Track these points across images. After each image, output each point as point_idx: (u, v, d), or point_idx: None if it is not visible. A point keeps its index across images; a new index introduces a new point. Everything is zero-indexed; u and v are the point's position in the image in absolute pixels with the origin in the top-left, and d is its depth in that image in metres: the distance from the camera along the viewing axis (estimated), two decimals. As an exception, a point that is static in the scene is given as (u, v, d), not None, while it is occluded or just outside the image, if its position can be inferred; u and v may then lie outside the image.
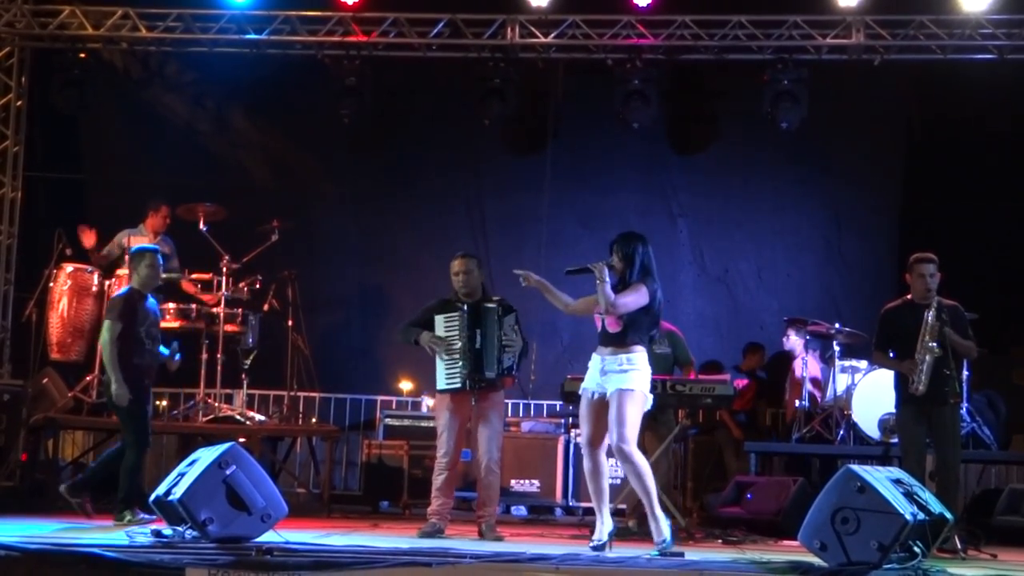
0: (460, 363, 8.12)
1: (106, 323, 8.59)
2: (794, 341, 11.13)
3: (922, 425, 8.13)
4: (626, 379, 6.90)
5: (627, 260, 7.06)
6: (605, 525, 6.99)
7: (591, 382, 7.05)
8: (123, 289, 8.94)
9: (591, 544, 6.89)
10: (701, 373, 9.91)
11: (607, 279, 6.90)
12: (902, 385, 8.23)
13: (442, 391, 8.30)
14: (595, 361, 7.05)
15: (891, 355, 8.36)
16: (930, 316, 7.99)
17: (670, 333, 9.52)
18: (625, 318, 6.96)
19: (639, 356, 6.97)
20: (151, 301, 8.77)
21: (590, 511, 10.75)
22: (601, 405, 6.98)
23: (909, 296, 8.30)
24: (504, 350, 8.15)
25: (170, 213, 11.03)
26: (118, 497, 8.40)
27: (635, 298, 6.95)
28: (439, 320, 8.23)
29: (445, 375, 8.18)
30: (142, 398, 8.50)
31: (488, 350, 8.13)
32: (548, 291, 7.25)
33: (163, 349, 8.82)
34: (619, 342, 6.97)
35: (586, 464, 7.11)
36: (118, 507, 8.36)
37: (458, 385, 8.14)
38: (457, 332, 8.16)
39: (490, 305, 8.21)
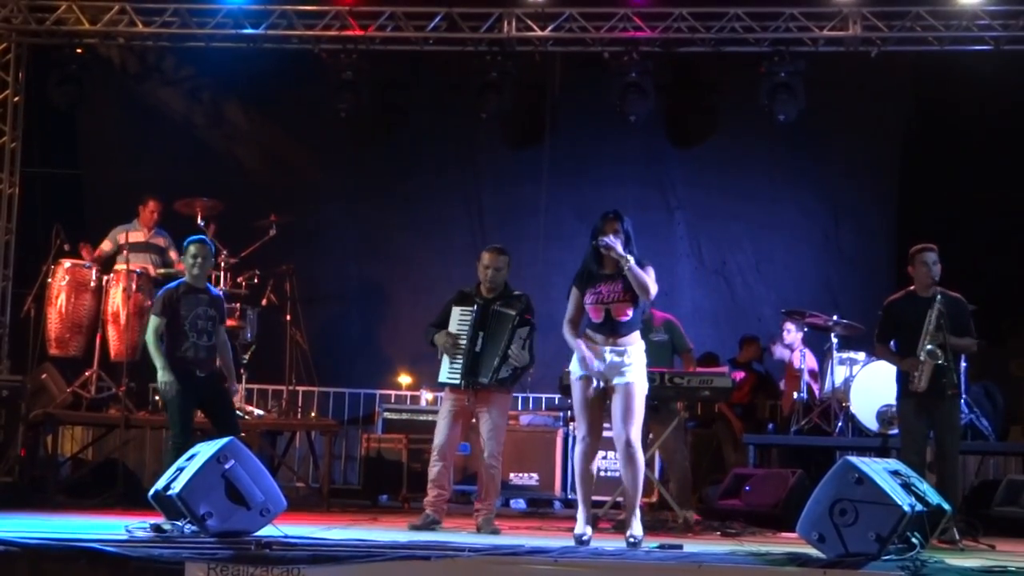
0: (461, 361, 8.11)
1: (149, 318, 8.60)
2: (794, 335, 11.13)
3: (923, 418, 8.15)
4: (634, 371, 6.86)
5: (628, 238, 6.97)
6: (589, 517, 6.95)
7: (591, 371, 6.88)
8: (171, 283, 8.88)
9: (575, 537, 6.81)
10: (700, 365, 9.91)
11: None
12: (903, 378, 8.25)
13: (442, 384, 8.33)
14: (593, 351, 6.93)
15: (893, 347, 8.39)
16: (932, 316, 7.99)
17: (667, 322, 9.54)
18: (639, 306, 6.93)
19: (642, 346, 6.97)
20: (212, 292, 8.70)
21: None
22: (604, 396, 6.93)
23: (912, 288, 8.31)
24: (505, 360, 8.05)
25: (159, 207, 11.03)
26: None
27: (654, 280, 6.95)
28: (455, 312, 8.21)
29: (448, 369, 8.17)
30: (188, 392, 8.38)
31: (487, 356, 8.06)
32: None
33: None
34: (626, 331, 6.90)
35: (584, 454, 6.95)
36: None
37: (456, 382, 8.13)
38: (468, 328, 8.13)
39: (508, 311, 8.11)
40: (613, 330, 6.90)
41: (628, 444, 6.80)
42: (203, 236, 8.85)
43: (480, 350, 8.06)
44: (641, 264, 6.90)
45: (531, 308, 8.24)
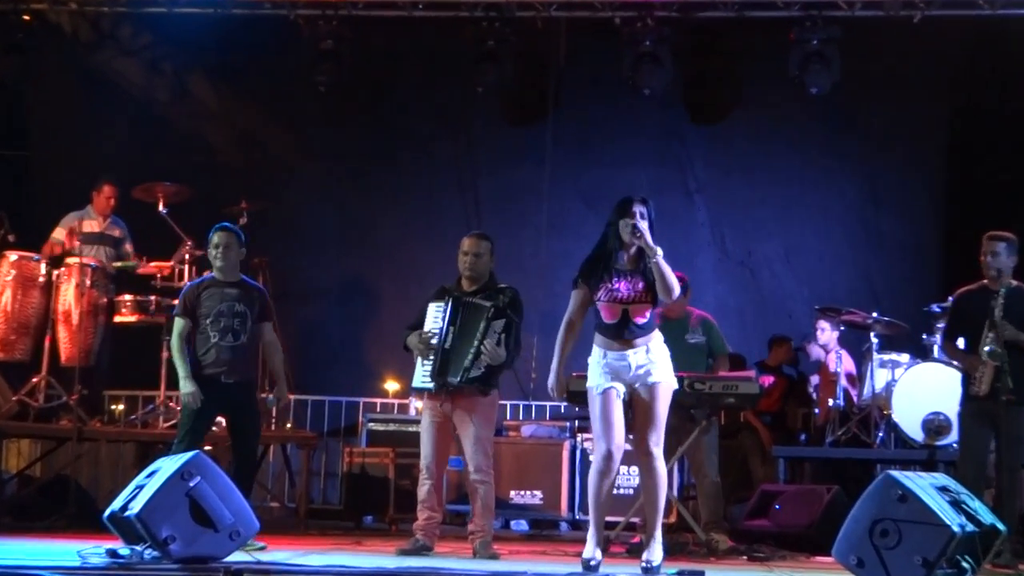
0: (431, 361, 8.07)
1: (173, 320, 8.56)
2: (829, 335, 11.10)
3: (984, 426, 8.13)
4: (659, 370, 6.81)
5: (651, 228, 6.86)
6: (600, 540, 6.87)
7: (615, 380, 6.82)
8: (198, 278, 8.81)
9: (583, 561, 6.72)
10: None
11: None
12: (967, 380, 8.25)
13: (416, 390, 8.33)
14: (612, 358, 6.84)
15: (963, 346, 8.38)
16: (997, 310, 7.99)
17: (704, 321, 9.48)
18: (656, 306, 6.90)
19: (660, 339, 6.93)
20: (249, 284, 8.58)
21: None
22: (629, 405, 6.86)
23: (985, 280, 8.29)
24: (477, 357, 7.97)
25: (115, 193, 11.01)
26: None
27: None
28: (431, 308, 8.17)
29: (421, 373, 8.12)
30: (208, 400, 8.24)
31: (457, 353, 7.98)
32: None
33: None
34: (642, 334, 6.84)
35: (604, 471, 6.81)
36: None
37: (429, 386, 8.08)
38: (440, 324, 8.09)
39: (481, 303, 8.06)
40: (629, 333, 6.84)
41: (648, 452, 6.76)
42: (228, 223, 8.66)
43: (450, 346, 8.00)
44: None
45: (517, 303, 8.14)
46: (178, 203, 11.03)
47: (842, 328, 10.99)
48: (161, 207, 10.92)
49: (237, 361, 8.33)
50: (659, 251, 6.73)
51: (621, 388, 6.83)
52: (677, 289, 6.83)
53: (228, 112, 13.39)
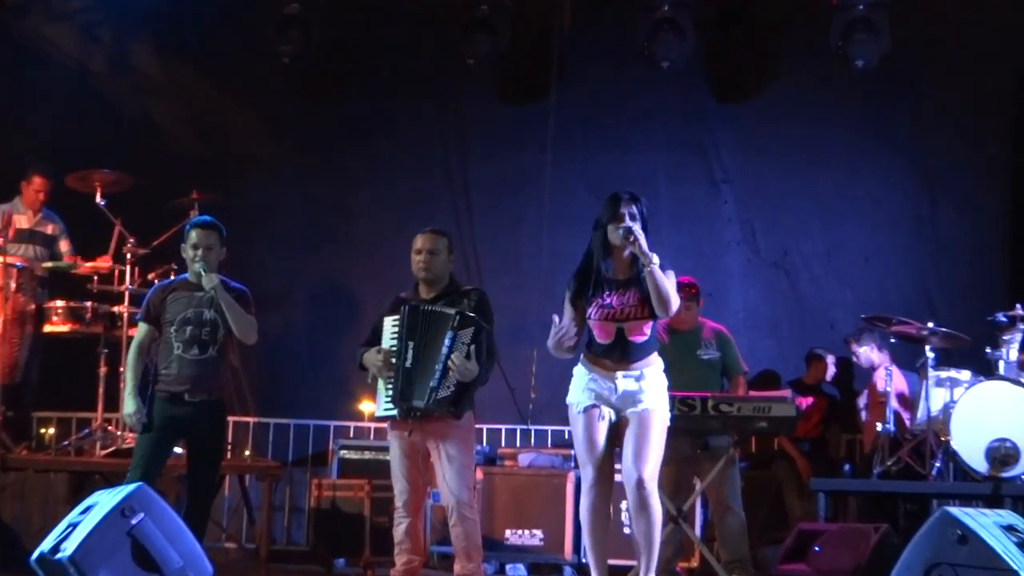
0: (392, 384, 7.98)
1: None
2: (867, 355, 11.08)
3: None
4: (651, 397, 6.92)
5: (644, 229, 6.94)
6: None
7: (601, 401, 6.96)
8: (171, 279, 8.80)
9: None
10: (753, 388, 9.88)
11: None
12: None
13: (379, 419, 8.29)
14: (599, 376, 6.96)
15: None
16: None
17: (719, 334, 9.52)
18: (656, 320, 6.94)
19: (660, 366, 7.04)
20: (230, 286, 8.44)
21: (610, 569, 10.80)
22: (616, 432, 6.97)
23: None
24: (445, 375, 7.85)
25: (46, 186, 11.00)
26: None
27: (676, 291, 6.94)
28: (387, 323, 8.06)
29: (384, 398, 8.03)
30: (166, 423, 8.20)
31: (420, 371, 7.87)
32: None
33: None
34: (642, 354, 6.95)
35: (597, 504, 6.98)
36: None
37: (393, 413, 8.00)
38: (398, 341, 8.03)
39: (444, 310, 7.95)
40: (626, 354, 6.94)
41: (640, 484, 6.83)
42: (208, 217, 8.61)
43: (411, 365, 7.89)
44: (662, 268, 6.89)
45: (485, 306, 8.06)
46: (118, 193, 11.02)
47: (893, 340, 10.97)
48: (98, 198, 10.90)
49: (203, 377, 8.26)
50: (655, 258, 6.79)
51: (607, 410, 6.95)
52: (676, 302, 6.91)
53: (177, 88, 13.36)
